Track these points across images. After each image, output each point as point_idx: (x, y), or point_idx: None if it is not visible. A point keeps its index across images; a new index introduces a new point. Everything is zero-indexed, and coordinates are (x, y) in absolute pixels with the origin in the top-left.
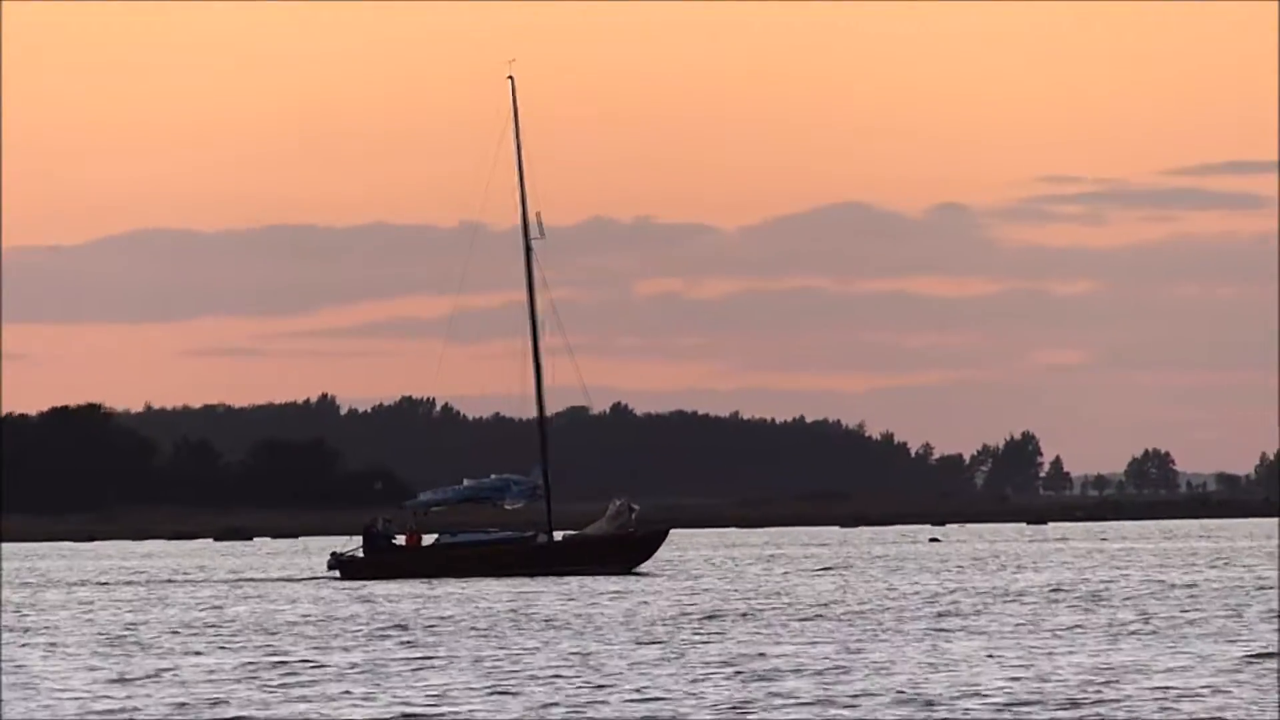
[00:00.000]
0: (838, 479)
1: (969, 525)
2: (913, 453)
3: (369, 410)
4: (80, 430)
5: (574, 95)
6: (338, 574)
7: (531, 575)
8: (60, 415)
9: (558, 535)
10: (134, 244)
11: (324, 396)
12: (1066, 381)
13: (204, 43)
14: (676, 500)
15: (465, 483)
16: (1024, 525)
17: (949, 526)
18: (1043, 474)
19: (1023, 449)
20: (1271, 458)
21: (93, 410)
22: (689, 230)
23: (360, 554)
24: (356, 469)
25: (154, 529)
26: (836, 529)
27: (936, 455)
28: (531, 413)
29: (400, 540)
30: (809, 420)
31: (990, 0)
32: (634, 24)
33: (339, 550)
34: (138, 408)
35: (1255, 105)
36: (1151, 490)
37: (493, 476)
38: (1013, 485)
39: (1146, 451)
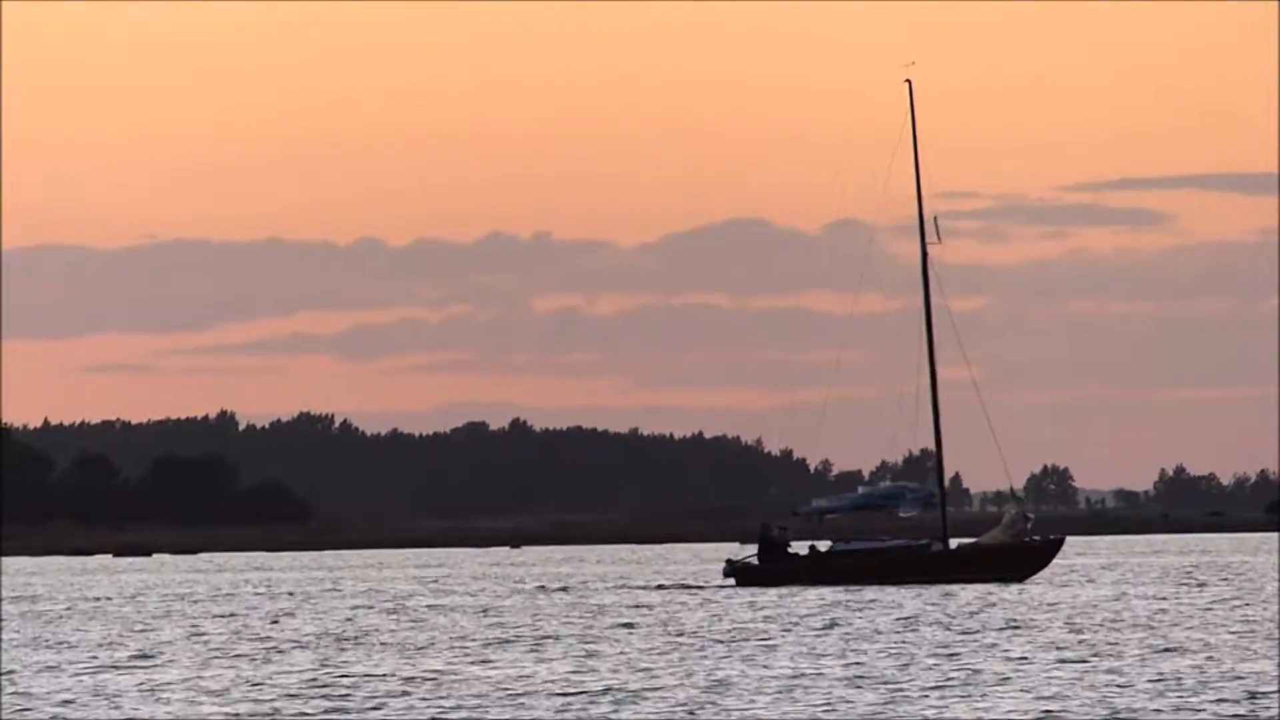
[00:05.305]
0: (737, 495)
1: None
2: (812, 469)
3: (267, 426)
4: None
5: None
6: (734, 581)
7: (927, 583)
8: None
9: (953, 543)
10: (32, 259)
11: (222, 412)
12: (964, 398)
13: (146, 51)
14: (573, 517)
15: (859, 490)
16: None
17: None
18: None
19: (921, 465)
20: (1170, 474)
21: None
22: (587, 247)
23: (755, 561)
24: (255, 484)
25: (51, 545)
26: (735, 545)
27: (835, 471)
28: (427, 429)
29: (797, 548)
30: (708, 436)
31: (884, 9)
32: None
33: (734, 558)
34: (36, 423)
35: (1152, 121)
36: (1050, 506)
37: (886, 484)
38: None
39: (1045, 468)
